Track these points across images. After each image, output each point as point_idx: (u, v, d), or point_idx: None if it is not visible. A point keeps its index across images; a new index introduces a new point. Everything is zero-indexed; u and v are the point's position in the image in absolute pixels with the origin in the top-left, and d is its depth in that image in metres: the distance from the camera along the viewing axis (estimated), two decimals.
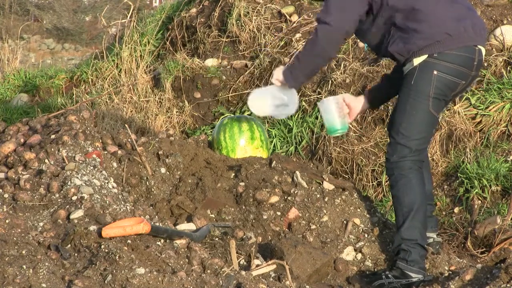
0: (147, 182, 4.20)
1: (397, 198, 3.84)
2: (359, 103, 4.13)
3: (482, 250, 4.58)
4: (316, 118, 6.29)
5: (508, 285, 3.26)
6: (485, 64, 6.12)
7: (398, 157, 3.81)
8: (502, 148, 5.59)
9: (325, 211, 4.16)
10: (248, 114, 4.83)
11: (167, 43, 8.12)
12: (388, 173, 3.94)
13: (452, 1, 3.81)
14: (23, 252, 3.02)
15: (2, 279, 2.78)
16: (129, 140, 4.40)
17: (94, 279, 2.94)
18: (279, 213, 4.15)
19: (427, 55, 3.75)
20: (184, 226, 3.94)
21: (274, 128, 6.43)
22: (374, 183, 5.79)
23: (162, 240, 3.39)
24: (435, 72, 3.74)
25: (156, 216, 3.85)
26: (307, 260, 3.67)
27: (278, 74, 4.06)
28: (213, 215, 4.15)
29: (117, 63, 7.78)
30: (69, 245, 3.21)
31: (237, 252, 3.64)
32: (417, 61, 3.77)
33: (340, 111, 4.03)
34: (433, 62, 3.74)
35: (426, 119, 3.79)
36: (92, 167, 3.86)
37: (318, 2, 4.20)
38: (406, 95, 3.81)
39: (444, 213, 5.31)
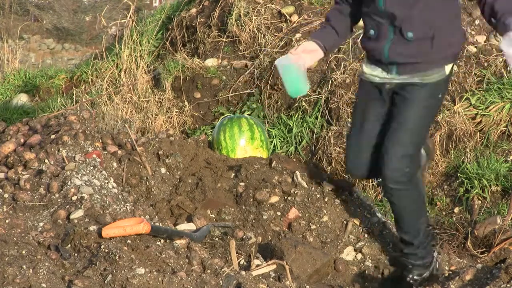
0: (147, 182, 4.20)
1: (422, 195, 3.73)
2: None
3: (482, 250, 4.57)
4: (316, 118, 6.29)
5: (508, 285, 3.26)
6: (485, 64, 6.13)
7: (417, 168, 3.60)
8: (502, 148, 5.59)
9: (325, 211, 4.16)
10: (248, 114, 4.83)
11: (167, 43, 8.11)
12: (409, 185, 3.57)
13: None
14: (23, 252, 3.02)
15: (2, 279, 2.78)
16: (129, 140, 4.40)
17: (94, 279, 2.94)
18: (279, 213, 4.15)
19: (453, 64, 3.42)
20: (184, 226, 3.94)
21: (274, 128, 6.43)
22: (374, 183, 5.78)
23: (162, 240, 3.39)
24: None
25: (156, 216, 3.85)
26: (307, 260, 3.66)
27: None
28: (213, 215, 4.15)
29: (117, 63, 7.77)
30: (69, 245, 3.21)
31: (237, 252, 3.64)
32: (448, 68, 3.38)
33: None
34: (452, 72, 3.46)
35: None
36: (92, 167, 3.86)
37: None
38: (427, 109, 3.42)
39: (444, 213, 5.31)
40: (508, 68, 3.31)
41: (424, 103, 3.38)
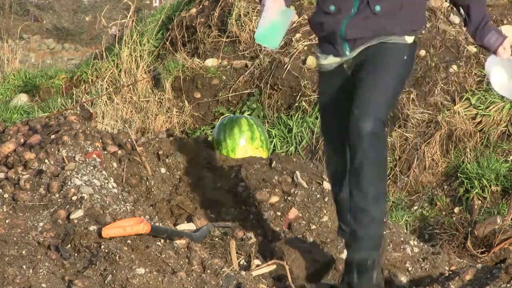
0: (147, 182, 4.20)
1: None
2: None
3: (482, 250, 4.58)
4: (316, 118, 6.29)
5: (508, 285, 3.26)
6: None
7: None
8: (502, 148, 5.60)
9: (325, 211, 4.16)
10: (248, 114, 4.84)
11: (167, 43, 8.12)
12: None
13: None
14: (23, 252, 3.02)
15: (2, 279, 2.78)
16: (129, 140, 4.40)
17: (94, 279, 2.94)
18: (279, 213, 4.15)
19: (414, 37, 3.17)
20: (184, 226, 3.94)
21: (274, 128, 6.43)
22: None
23: (162, 240, 3.39)
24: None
25: (156, 216, 3.85)
26: (307, 260, 3.66)
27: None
28: (213, 215, 4.15)
29: (117, 63, 7.77)
30: (69, 245, 3.20)
31: (237, 252, 3.64)
32: (409, 39, 3.13)
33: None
34: (416, 44, 3.21)
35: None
36: (92, 167, 3.86)
37: None
38: (393, 68, 3.10)
39: (444, 213, 5.31)
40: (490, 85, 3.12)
41: (390, 61, 3.08)
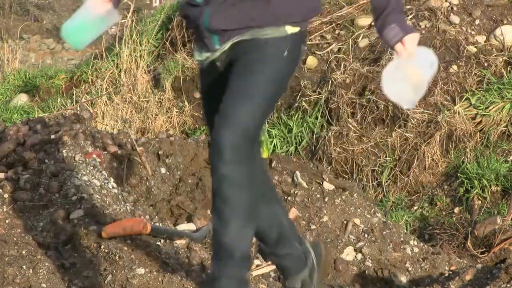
0: (147, 182, 4.20)
1: None
2: None
3: (482, 250, 4.58)
4: (316, 118, 6.29)
5: (508, 285, 3.26)
6: (485, 64, 6.13)
7: None
8: (502, 148, 5.60)
9: (325, 211, 4.17)
10: None
11: (167, 43, 8.11)
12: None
13: None
14: (23, 252, 3.02)
15: (2, 279, 2.78)
16: (129, 140, 4.40)
17: (94, 279, 2.94)
18: None
19: (300, 28, 2.60)
20: (184, 226, 3.94)
21: (274, 128, 6.43)
22: (374, 183, 5.79)
23: (162, 240, 3.39)
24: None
25: (156, 216, 3.85)
26: None
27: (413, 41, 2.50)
28: None
29: (117, 63, 7.78)
30: (69, 245, 3.21)
31: None
32: (291, 29, 2.57)
33: None
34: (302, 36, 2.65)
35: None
36: (92, 167, 3.86)
37: None
38: (266, 69, 2.52)
39: (444, 213, 5.31)
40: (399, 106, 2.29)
41: (263, 60, 2.56)
